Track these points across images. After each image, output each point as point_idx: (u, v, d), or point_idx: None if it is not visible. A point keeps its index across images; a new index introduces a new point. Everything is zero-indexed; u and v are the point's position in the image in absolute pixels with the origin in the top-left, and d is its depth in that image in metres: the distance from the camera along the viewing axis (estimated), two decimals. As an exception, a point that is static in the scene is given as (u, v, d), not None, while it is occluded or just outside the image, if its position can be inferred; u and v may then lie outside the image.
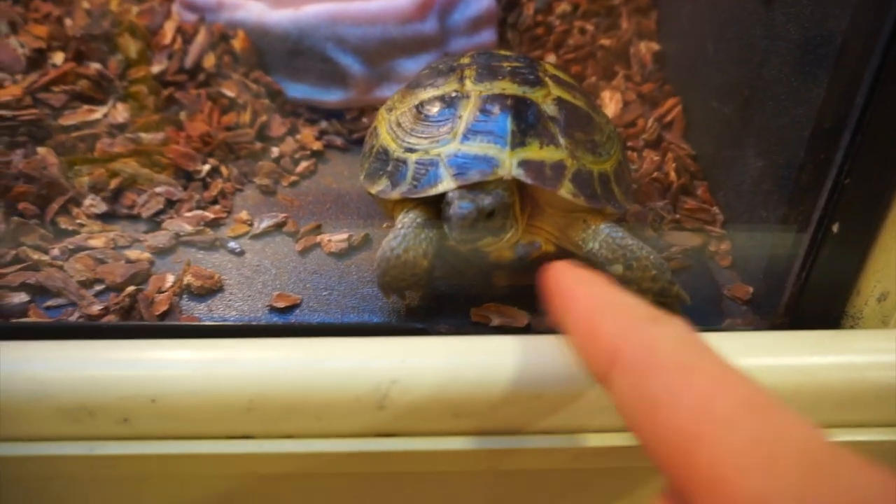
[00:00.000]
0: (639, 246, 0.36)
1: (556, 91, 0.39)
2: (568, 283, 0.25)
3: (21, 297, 0.38)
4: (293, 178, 0.50)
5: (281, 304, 0.39)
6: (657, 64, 0.57)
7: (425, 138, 0.37)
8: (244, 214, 0.46)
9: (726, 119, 0.46)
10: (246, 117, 0.52)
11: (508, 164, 0.35)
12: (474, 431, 0.30)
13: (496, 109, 0.36)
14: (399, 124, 0.39)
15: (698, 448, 0.18)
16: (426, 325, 0.37)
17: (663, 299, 0.36)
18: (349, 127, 0.55)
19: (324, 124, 0.55)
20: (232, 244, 0.43)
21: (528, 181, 0.35)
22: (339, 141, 0.54)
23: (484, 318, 0.38)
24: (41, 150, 0.45)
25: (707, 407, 0.18)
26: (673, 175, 0.47)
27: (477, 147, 0.35)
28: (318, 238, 0.44)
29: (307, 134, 0.53)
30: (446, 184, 0.35)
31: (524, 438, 0.30)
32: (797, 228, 0.36)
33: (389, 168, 0.38)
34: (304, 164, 0.51)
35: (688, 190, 0.47)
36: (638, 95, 0.55)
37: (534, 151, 0.36)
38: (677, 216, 0.46)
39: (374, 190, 0.39)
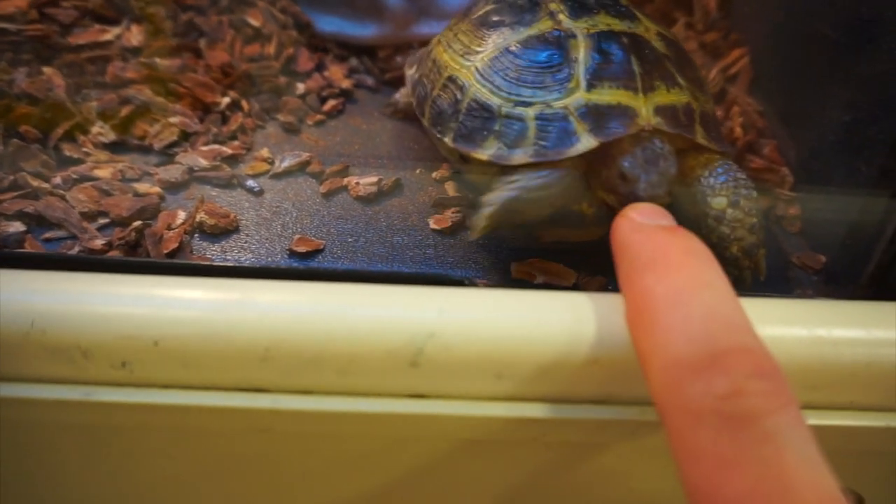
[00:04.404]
0: (751, 185, 0.32)
1: (651, 25, 0.35)
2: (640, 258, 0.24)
3: (17, 227, 0.34)
4: (319, 116, 0.46)
5: (302, 249, 0.35)
6: (722, 11, 0.52)
7: (539, 88, 0.33)
8: (265, 152, 0.42)
9: (804, 70, 0.41)
10: (270, 49, 0.48)
11: (645, 112, 0.31)
12: (519, 397, 0.26)
13: (614, 49, 0.32)
14: (495, 71, 0.34)
15: None
16: (463, 278, 0.33)
17: (742, 261, 0.32)
18: (381, 66, 0.50)
19: (354, 62, 0.50)
20: (250, 182, 0.39)
21: (670, 130, 0.31)
22: (369, 81, 0.49)
23: (527, 275, 0.34)
24: (47, 69, 0.42)
25: None
26: (738, 131, 0.43)
27: (607, 95, 0.31)
28: (345, 181, 0.40)
29: (336, 71, 0.49)
30: (585, 142, 0.31)
31: (575, 408, 0.26)
32: (892, 190, 0.32)
33: (497, 127, 0.33)
34: (331, 103, 0.46)
35: (754, 148, 0.43)
36: (700, 45, 0.50)
37: (663, 95, 0.32)
38: (742, 176, 0.41)
39: (483, 155, 0.33)
